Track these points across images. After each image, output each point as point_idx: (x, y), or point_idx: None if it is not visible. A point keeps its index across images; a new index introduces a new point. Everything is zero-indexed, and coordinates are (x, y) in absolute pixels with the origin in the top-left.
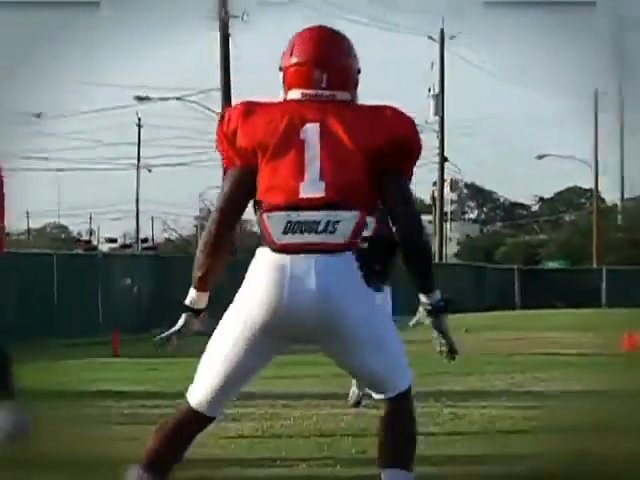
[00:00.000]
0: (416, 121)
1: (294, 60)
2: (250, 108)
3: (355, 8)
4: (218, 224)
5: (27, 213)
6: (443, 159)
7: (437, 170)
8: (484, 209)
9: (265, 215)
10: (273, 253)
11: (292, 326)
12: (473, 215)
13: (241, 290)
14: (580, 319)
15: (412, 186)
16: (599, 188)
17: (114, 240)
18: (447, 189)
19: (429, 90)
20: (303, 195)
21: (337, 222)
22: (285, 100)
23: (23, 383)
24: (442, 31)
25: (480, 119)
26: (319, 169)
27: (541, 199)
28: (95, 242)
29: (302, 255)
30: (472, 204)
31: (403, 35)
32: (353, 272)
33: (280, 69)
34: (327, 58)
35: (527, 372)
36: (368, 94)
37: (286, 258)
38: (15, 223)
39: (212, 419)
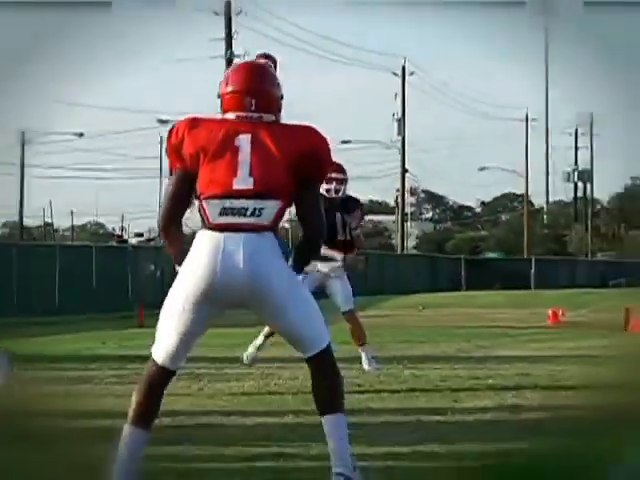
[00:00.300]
0: (383, 140)
1: (229, 89)
2: (194, 123)
3: (338, 50)
4: (166, 215)
5: (72, 213)
6: (404, 170)
7: (399, 179)
8: (437, 210)
9: (205, 202)
10: (210, 232)
11: (226, 293)
12: (428, 215)
13: (184, 266)
14: (513, 299)
15: (373, 191)
16: (529, 194)
17: (141, 235)
18: (407, 194)
19: (393, 115)
20: (236, 187)
21: (262, 209)
22: (223, 118)
23: (66, 349)
24: (404, 68)
25: (434, 138)
26: (249, 168)
27: (482, 202)
28: (126, 236)
29: (233, 233)
30: (428, 206)
31: (373, 71)
32: (275, 249)
33: (218, 96)
34: (255, 87)
35: (471, 341)
36: (349, 115)
37: (220, 237)
38: (62, 221)
39: (174, 372)
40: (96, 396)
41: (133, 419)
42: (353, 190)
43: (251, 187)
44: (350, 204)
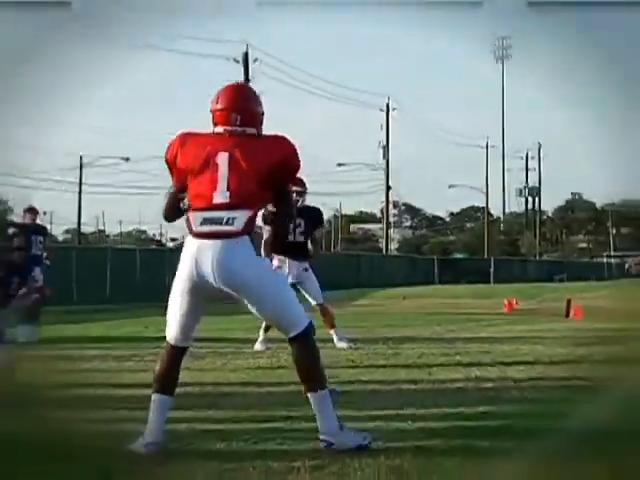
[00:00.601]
0: (369, 162)
1: (219, 106)
2: (185, 139)
3: (333, 91)
4: (166, 216)
5: (120, 222)
6: (388, 187)
7: (384, 194)
8: (415, 220)
9: (191, 213)
10: (193, 238)
11: (205, 288)
12: (408, 223)
13: (179, 264)
14: (476, 291)
15: (364, 204)
16: (489, 206)
17: (175, 239)
18: (391, 207)
19: (379, 142)
20: (215, 201)
21: (234, 218)
22: (212, 132)
23: (116, 332)
24: (387, 105)
25: (412, 161)
26: (226, 184)
27: (452, 213)
28: (163, 241)
29: (208, 240)
30: (407, 216)
31: (362, 108)
32: (245, 248)
33: (210, 111)
34: (240, 105)
35: (442, 325)
36: (345, 142)
37: (197, 243)
38: (112, 228)
39: (186, 348)
40: (138, 370)
41: (156, 388)
42: (348, 203)
43: (227, 200)
44: (311, 214)
